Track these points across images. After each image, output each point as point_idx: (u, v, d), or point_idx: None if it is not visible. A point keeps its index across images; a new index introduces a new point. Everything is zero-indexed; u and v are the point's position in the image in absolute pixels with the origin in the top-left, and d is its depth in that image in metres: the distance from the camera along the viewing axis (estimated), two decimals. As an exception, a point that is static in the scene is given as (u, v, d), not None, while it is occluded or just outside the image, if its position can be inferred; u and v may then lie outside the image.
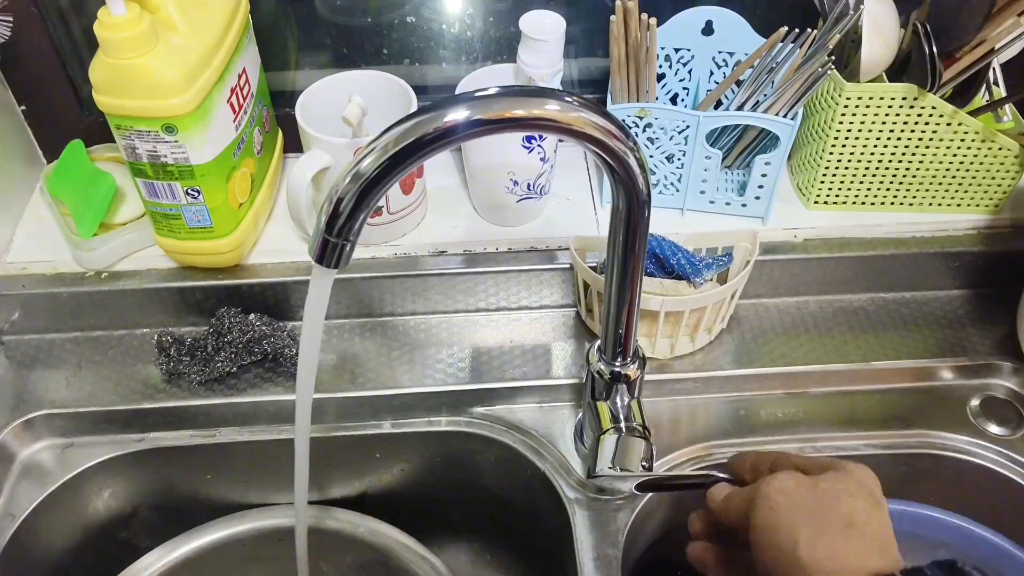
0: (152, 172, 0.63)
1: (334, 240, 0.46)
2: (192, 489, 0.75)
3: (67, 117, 0.78)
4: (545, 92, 0.46)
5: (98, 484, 0.71)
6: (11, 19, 0.70)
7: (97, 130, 0.77)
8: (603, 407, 0.63)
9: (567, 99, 0.45)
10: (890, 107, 0.69)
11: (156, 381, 0.71)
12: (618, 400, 0.63)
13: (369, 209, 0.46)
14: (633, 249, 0.53)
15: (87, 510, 0.72)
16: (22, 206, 0.78)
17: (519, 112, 0.44)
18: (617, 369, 0.61)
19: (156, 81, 0.57)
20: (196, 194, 0.64)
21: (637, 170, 0.49)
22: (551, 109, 0.45)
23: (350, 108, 0.63)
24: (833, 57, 0.66)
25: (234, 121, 0.65)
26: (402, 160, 0.44)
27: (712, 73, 0.76)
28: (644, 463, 0.60)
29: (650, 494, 0.67)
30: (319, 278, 0.49)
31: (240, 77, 0.66)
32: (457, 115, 0.43)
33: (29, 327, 0.74)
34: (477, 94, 0.44)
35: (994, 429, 0.70)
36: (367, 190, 0.45)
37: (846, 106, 0.69)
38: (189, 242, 0.68)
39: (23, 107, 0.77)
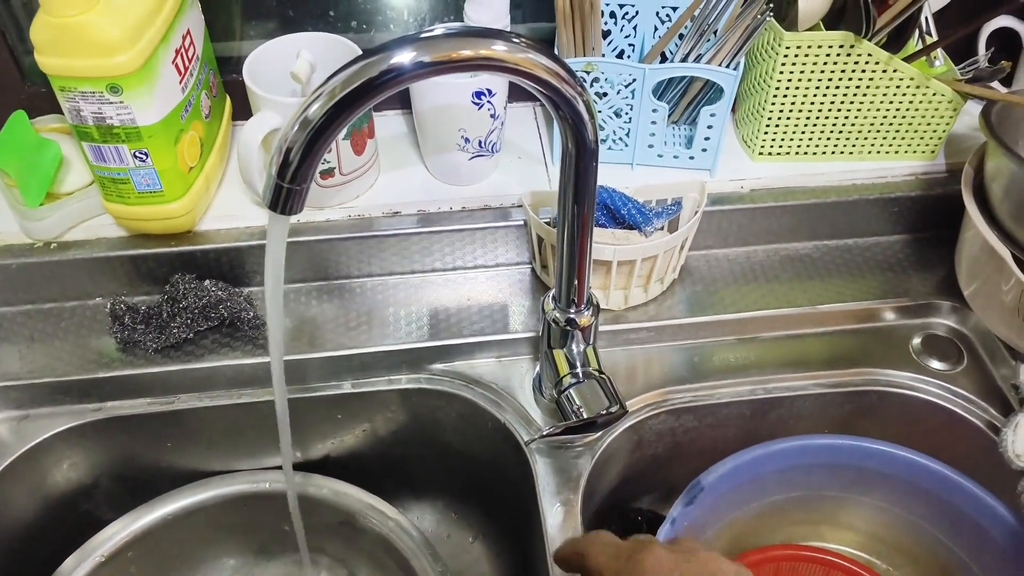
0: (98, 135, 0.62)
1: (287, 186, 0.46)
2: (153, 458, 0.74)
3: (9, 89, 0.77)
4: (492, 32, 0.46)
5: (56, 455, 0.70)
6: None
7: (40, 101, 0.75)
8: (559, 355, 0.64)
9: (515, 40, 0.46)
10: (828, 55, 0.71)
11: (111, 350, 0.71)
12: (574, 347, 0.64)
13: (320, 155, 0.46)
14: (584, 192, 0.54)
15: (47, 482, 0.71)
16: (-35, 180, 0.76)
17: (466, 52, 0.45)
18: (572, 316, 0.62)
19: (99, 39, 0.57)
20: (144, 157, 0.63)
21: (585, 114, 0.50)
22: (498, 49, 0.45)
23: (299, 63, 0.63)
24: (771, 4, 0.67)
25: (180, 83, 0.65)
26: (350, 104, 0.44)
27: (656, 28, 0.78)
28: (609, 400, 0.61)
29: (608, 440, 0.68)
30: (275, 225, 0.49)
31: (184, 38, 0.65)
32: (403, 56, 0.44)
33: (-22, 301, 0.73)
34: (423, 35, 0.45)
35: (936, 365, 0.73)
36: (316, 137, 0.45)
37: (786, 55, 0.71)
38: (138, 207, 0.68)
39: (-38, 79, 0.76)
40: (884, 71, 0.72)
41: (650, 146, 0.77)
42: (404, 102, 0.82)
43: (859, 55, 0.71)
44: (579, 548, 0.49)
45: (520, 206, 0.75)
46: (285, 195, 0.46)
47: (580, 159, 0.52)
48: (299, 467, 0.77)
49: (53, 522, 0.72)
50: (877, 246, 0.80)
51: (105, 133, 0.62)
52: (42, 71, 0.59)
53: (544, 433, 0.65)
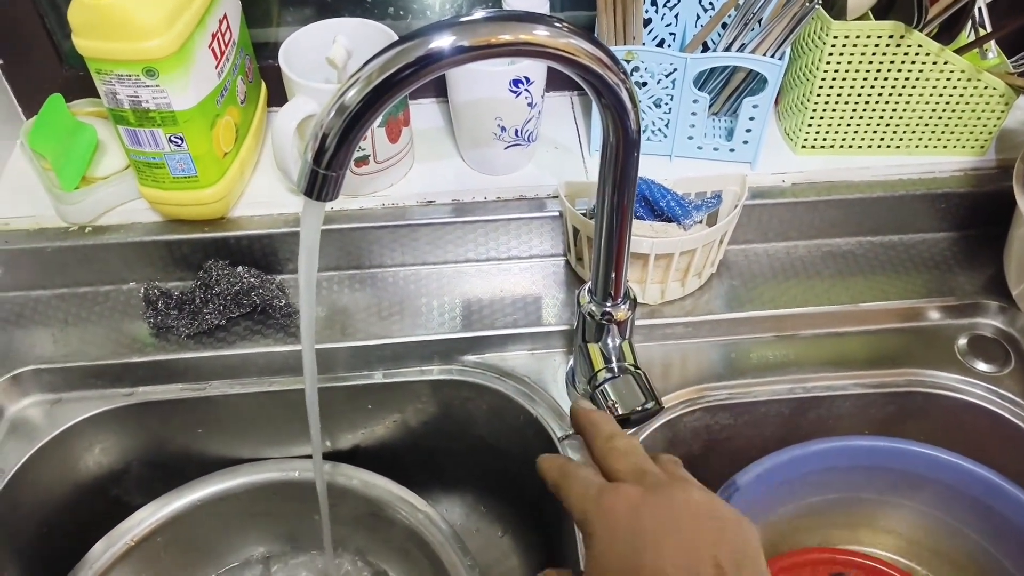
0: (134, 119, 0.62)
1: (323, 172, 0.45)
2: (183, 444, 0.74)
3: (46, 72, 0.77)
4: (533, 17, 0.45)
5: (88, 439, 0.70)
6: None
7: (77, 84, 0.75)
8: (594, 349, 0.63)
9: (556, 24, 0.45)
10: (876, 46, 0.69)
11: (144, 335, 0.71)
12: (609, 342, 0.63)
13: (356, 142, 0.45)
14: (625, 183, 0.53)
15: (77, 466, 0.71)
16: (2, 162, 0.77)
17: (506, 37, 0.43)
18: (608, 310, 0.61)
19: (135, 22, 0.56)
20: (180, 141, 0.63)
21: (628, 102, 0.48)
22: (539, 34, 0.44)
23: (335, 49, 0.62)
24: (820, -7, 0.65)
25: (216, 67, 0.64)
26: (387, 90, 0.43)
27: (699, 17, 0.76)
28: (644, 395, 0.60)
29: (642, 436, 0.67)
30: (310, 212, 0.48)
31: (221, 23, 0.65)
32: (442, 41, 0.42)
33: (13, 284, 0.73)
34: (463, 19, 0.43)
35: (982, 366, 0.71)
36: (352, 123, 0.44)
37: (833, 45, 0.69)
38: (174, 192, 0.67)
39: (1, 62, 0.76)
40: (935, 63, 0.70)
41: (690, 138, 0.75)
42: (440, 90, 0.81)
43: (909, 46, 0.69)
44: (556, 479, 0.48)
45: (555, 197, 0.74)
46: (321, 181, 0.45)
47: (621, 149, 0.51)
48: (329, 457, 0.76)
49: (83, 506, 0.73)
50: (923, 243, 0.78)
51: (141, 117, 0.62)
52: (79, 54, 0.59)
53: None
